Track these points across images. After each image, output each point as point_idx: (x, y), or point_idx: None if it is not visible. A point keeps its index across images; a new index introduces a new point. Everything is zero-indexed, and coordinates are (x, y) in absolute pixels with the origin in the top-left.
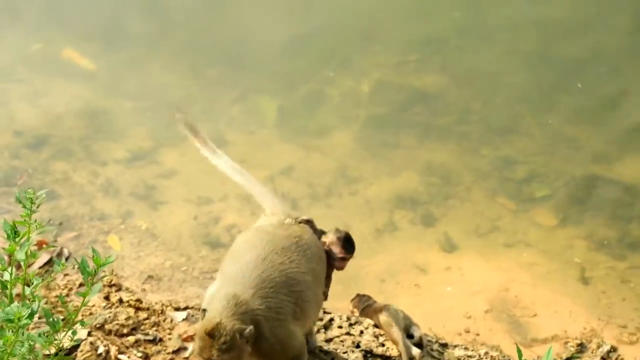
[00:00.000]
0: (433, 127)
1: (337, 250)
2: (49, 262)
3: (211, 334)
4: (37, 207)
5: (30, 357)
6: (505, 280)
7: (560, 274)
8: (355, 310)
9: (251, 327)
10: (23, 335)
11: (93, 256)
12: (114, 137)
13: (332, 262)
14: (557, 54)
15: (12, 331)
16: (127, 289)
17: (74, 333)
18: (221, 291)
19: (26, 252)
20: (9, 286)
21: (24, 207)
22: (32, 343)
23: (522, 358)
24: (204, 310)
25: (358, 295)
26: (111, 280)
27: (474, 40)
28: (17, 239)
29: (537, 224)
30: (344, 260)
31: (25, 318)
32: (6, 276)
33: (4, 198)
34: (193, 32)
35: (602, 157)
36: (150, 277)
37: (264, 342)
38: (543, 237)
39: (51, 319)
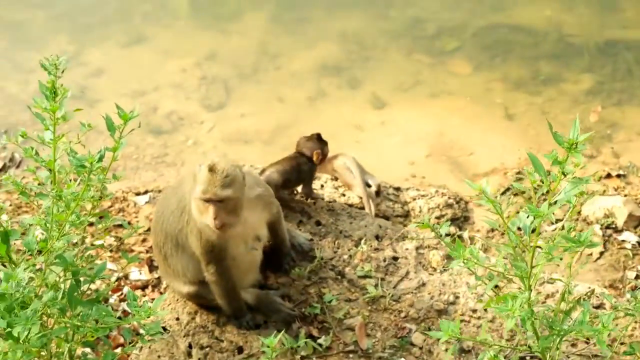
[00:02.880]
0: None
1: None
2: (3, 168)
3: (212, 169)
4: (62, 72)
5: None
6: (438, 127)
7: (486, 114)
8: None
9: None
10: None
11: (118, 112)
12: (35, 46)
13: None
14: None
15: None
16: None
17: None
18: None
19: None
20: (53, 145)
21: (49, 73)
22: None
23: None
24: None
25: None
26: None
27: None
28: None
29: (454, 73)
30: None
31: (97, 162)
32: (48, 135)
33: None
34: None
35: (500, 7)
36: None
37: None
38: (463, 84)
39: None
